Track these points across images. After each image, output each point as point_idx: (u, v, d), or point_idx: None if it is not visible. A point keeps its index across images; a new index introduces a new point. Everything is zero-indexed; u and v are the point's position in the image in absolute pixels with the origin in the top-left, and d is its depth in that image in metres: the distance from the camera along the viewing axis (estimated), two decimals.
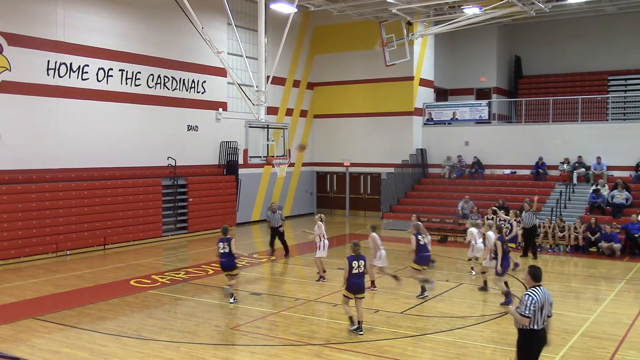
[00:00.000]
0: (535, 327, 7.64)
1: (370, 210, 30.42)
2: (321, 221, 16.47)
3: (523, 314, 7.58)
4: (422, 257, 14.45)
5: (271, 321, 12.31)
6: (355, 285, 11.16)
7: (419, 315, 12.64)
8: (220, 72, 25.32)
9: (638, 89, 30.01)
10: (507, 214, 22.14)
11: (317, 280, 15.90)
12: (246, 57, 20.72)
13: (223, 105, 26.52)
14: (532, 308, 7.55)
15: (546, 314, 7.72)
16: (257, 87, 19.20)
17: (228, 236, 13.73)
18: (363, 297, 11.38)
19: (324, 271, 16.08)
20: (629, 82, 31.10)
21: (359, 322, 11.23)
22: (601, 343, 10.89)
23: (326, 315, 12.55)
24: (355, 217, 30.71)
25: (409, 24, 27.70)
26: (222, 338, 11.08)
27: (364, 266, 11.39)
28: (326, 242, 16.28)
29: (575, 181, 25.23)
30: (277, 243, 20.09)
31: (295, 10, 21.31)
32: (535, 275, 7.84)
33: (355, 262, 11.26)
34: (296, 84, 31.20)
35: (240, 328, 11.66)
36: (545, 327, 7.78)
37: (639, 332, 11.59)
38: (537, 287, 7.73)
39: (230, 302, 13.39)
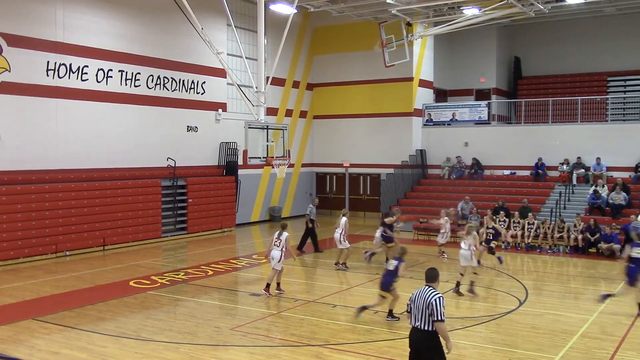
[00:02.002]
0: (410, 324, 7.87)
1: (369, 211, 30.42)
2: (345, 217, 17.89)
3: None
4: None
5: (270, 322, 12.30)
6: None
7: None
8: (220, 72, 25.32)
9: (637, 90, 30.00)
10: (507, 216, 22.25)
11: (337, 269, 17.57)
12: (246, 58, 20.71)
13: (222, 106, 26.52)
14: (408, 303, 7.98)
15: (418, 314, 7.65)
16: (256, 87, 19.20)
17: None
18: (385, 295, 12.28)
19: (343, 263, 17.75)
20: (628, 83, 31.10)
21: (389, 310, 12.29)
22: (600, 344, 10.89)
23: (325, 316, 12.54)
24: (354, 218, 30.66)
25: (409, 24, 27.73)
26: (221, 339, 11.07)
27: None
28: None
29: (574, 182, 25.23)
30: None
31: (295, 11, 21.34)
32: (426, 275, 8.02)
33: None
34: (296, 84, 31.20)
35: (240, 329, 11.65)
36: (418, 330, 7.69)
37: (639, 333, 11.58)
38: (425, 287, 7.83)
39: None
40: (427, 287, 7.79)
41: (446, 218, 19.90)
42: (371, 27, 28.29)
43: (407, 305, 7.92)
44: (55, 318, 12.33)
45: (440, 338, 7.62)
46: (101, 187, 20.95)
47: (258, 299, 14.15)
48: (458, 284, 14.68)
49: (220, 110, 26.33)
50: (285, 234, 14.40)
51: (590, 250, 20.57)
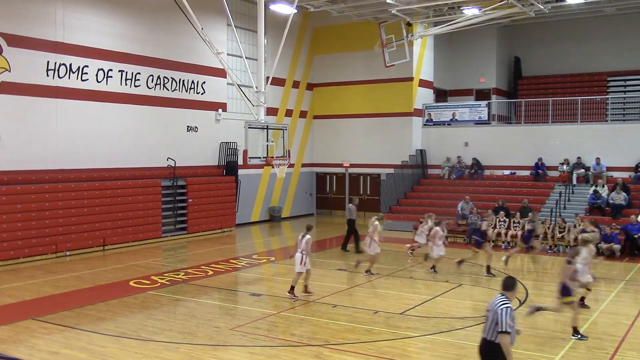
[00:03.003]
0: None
1: (369, 211, 30.26)
2: (377, 222, 17.11)
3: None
4: None
5: (271, 322, 12.30)
6: None
7: (418, 316, 12.63)
8: (220, 72, 25.33)
9: (637, 90, 29.99)
10: (507, 215, 22.26)
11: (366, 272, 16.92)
12: (246, 58, 20.71)
13: (223, 106, 26.53)
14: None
15: (486, 323, 7.46)
16: (256, 88, 19.20)
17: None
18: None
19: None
20: (628, 83, 31.09)
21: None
22: (601, 344, 10.89)
23: (326, 316, 12.53)
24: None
25: (409, 24, 27.73)
26: (221, 339, 11.07)
27: None
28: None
29: (574, 182, 25.22)
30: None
31: (295, 11, 21.33)
32: (502, 283, 7.73)
33: None
34: (296, 84, 31.20)
35: (240, 329, 11.64)
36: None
37: (639, 333, 11.58)
38: (498, 295, 7.58)
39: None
40: (500, 295, 7.51)
41: (430, 222, 19.15)
42: (371, 27, 28.29)
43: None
44: (55, 318, 12.33)
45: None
46: (101, 187, 20.96)
47: (258, 299, 14.14)
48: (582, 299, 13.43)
49: (220, 110, 26.33)
50: (307, 237, 14.18)
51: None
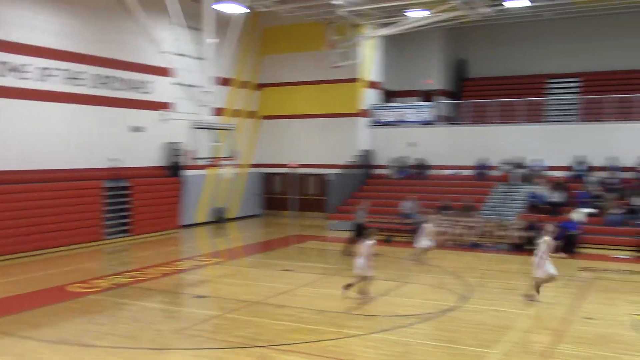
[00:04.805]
0: None
1: (317, 211, 30.47)
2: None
3: None
4: None
5: (216, 324, 12.19)
6: None
7: (364, 315, 12.74)
8: (166, 72, 24.89)
9: (574, 92, 30.99)
10: (452, 215, 22.70)
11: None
12: (192, 57, 20.47)
13: (168, 106, 26.13)
14: None
15: None
16: (203, 87, 19.02)
17: None
18: None
19: None
20: (565, 85, 32.04)
21: None
22: (539, 338, 11.21)
23: (271, 317, 12.49)
24: (302, 219, 30.71)
25: (356, 26, 27.92)
26: (164, 342, 10.90)
27: None
28: None
29: (514, 181, 25.93)
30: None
31: (246, 11, 21.18)
32: None
33: None
34: (244, 84, 31.02)
35: (184, 331, 11.50)
36: None
37: (576, 327, 11.96)
38: None
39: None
40: None
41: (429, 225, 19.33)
42: (320, 28, 28.39)
43: None
44: None
45: None
46: (40, 189, 20.31)
47: (203, 301, 14.00)
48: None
49: (165, 110, 25.92)
50: (367, 242, 14.00)
51: (529, 247, 21.08)
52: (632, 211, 22.10)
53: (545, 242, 13.67)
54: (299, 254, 20.64)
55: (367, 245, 13.95)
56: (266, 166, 32.33)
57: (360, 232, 19.52)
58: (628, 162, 24.78)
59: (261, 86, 32.18)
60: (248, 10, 22.43)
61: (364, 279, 13.99)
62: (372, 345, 10.88)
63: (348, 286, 14.11)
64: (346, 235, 20.74)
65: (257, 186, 32.34)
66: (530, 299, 13.81)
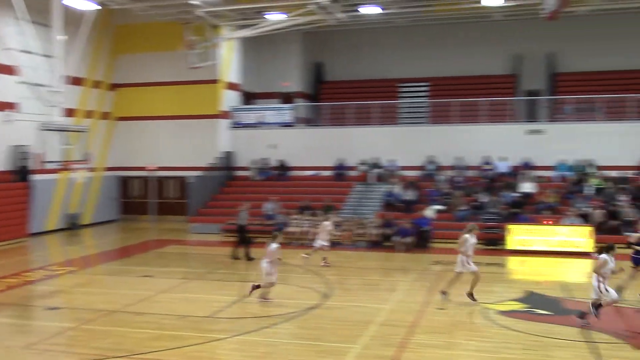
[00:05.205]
0: None
1: (177, 215, 29.79)
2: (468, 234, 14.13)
3: None
4: None
5: (71, 336, 11.57)
6: None
7: (226, 318, 12.68)
8: (10, 70, 23.17)
9: (424, 96, 32.79)
10: (313, 215, 23.19)
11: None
12: (40, 54, 19.23)
13: (13, 106, 24.26)
14: None
15: None
16: (52, 87, 17.95)
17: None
18: None
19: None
20: (416, 89, 33.78)
21: None
22: (396, 330, 11.74)
23: (131, 326, 12.06)
24: (162, 222, 29.90)
25: (215, 27, 27.67)
26: (14, 359, 10.17)
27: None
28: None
29: (371, 180, 27.02)
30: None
31: (98, 7, 20.27)
32: None
33: None
34: (97, 84, 29.63)
35: (35, 346, 10.79)
36: None
37: (428, 317, 12.68)
38: None
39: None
40: None
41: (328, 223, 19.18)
42: (178, 28, 27.73)
43: None
44: None
45: None
46: None
47: (55, 313, 13.21)
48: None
49: (10, 110, 24.05)
50: (272, 246, 13.66)
51: (386, 244, 22.08)
52: (477, 207, 23.82)
53: (467, 239, 13.85)
54: (158, 259, 20.09)
55: (272, 249, 13.76)
56: (123, 169, 31.11)
57: (243, 234, 19.61)
58: (473, 161, 26.70)
59: (115, 86, 30.93)
60: (99, 7, 21.52)
61: (270, 284, 13.80)
62: (236, 347, 10.87)
63: (255, 287, 13.79)
64: (207, 238, 20.55)
65: (113, 190, 31.02)
66: (444, 295, 13.93)
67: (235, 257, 19.46)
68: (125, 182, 31.49)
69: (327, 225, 18.98)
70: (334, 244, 20.71)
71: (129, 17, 28.60)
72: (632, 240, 14.75)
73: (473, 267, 13.87)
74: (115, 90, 30.95)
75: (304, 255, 18.81)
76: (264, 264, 13.76)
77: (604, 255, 11.72)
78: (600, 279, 11.64)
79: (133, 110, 30.71)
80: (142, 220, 30.49)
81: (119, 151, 30.96)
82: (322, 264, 18.43)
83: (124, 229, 28.29)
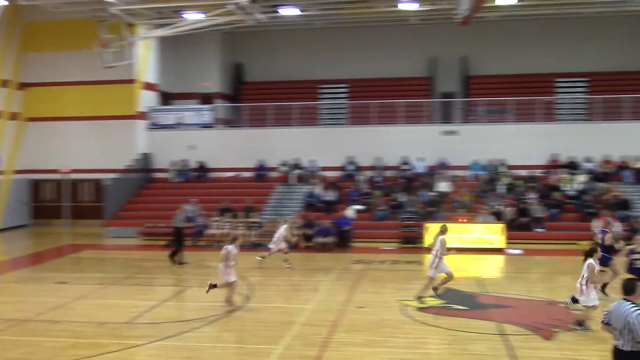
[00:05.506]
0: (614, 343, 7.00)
1: (93, 219, 28.85)
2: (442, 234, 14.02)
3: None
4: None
5: None
6: None
7: (146, 323, 12.43)
8: None
9: (343, 97, 33.21)
10: (234, 217, 23.07)
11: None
12: None
13: None
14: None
15: (617, 332, 6.90)
16: None
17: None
18: None
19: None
20: (335, 90, 34.16)
21: None
22: (317, 329, 11.85)
23: (45, 335, 11.60)
24: (76, 227, 28.88)
25: (131, 25, 27.00)
26: None
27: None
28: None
29: (292, 181, 27.14)
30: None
31: (4, 3, 19.34)
32: (623, 287, 7.09)
33: None
34: (4, 83, 28.29)
35: None
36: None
37: (348, 316, 12.87)
38: (622, 301, 7.00)
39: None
40: (624, 301, 6.91)
41: (285, 226, 19.08)
42: (92, 25, 26.88)
43: (604, 316, 7.14)
44: None
45: None
46: None
47: None
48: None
49: None
50: (227, 247, 13.29)
51: (307, 244, 22.23)
52: (396, 206, 24.38)
53: (440, 241, 13.79)
54: (73, 265, 19.43)
55: (226, 250, 13.48)
56: (34, 172, 29.82)
57: (180, 236, 19.20)
58: (392, 162, 27.28)
59: (25, 85, 29.62)
60: (6, 2, 20.50)
61: (227, 285, 13.47)
62: (156, 353, 10.68)
63: (212, 286, 13.52)
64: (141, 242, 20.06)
65: (24, 194, 29.69)
66: (420, 300, 13.72)
67: (181, 262, 18.92)
68: (36, 185, 30.22)
69: (284, 229, 18.85)
70: (256, 246, 20.66)
71: (39, 13, 27.44)
72: (607, 242, 14.54)
73: (446, 268, 13.86)
74: (25, 90, 29.65)
75: (258, 257, 18.72)
76: (220, 266, 13.53)
77: (590, 261, 11.45)
78: (584, 282, 11.45)
79: (45, 110, 29.48)
80: (55, 224, 29.34)
81: (29, 153, 29.66)
82: (287, 265, 18.40)
83: (35, 234, 27.17)
